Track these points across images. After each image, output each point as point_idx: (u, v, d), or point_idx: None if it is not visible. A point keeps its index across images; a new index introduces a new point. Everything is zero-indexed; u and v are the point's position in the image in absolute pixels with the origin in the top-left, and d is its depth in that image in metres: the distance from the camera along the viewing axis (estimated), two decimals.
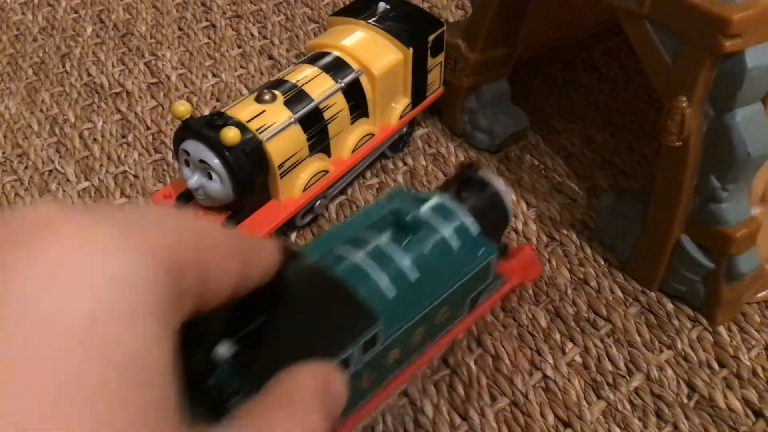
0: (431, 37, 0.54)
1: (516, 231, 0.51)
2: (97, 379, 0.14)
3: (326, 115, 0.49)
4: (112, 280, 0.15)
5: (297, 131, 0.48)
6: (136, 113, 0.63)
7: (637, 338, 0.44)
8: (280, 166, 0.47)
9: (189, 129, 0.46)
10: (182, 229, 0.18)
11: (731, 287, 0.43)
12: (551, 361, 0.43)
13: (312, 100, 0.49)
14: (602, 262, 0.48)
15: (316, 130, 0.49)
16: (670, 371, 0.42)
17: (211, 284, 0.19)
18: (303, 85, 0.49)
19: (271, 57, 0.68)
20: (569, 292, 0.47)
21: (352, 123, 0.52)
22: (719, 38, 0.36)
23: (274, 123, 0.47)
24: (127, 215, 0.18)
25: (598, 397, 0.41)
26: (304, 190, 0.49)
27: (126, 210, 0.18)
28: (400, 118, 0.55)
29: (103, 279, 0.15)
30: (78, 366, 0.14)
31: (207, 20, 0.73)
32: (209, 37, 0.71)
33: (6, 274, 0.15)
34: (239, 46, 0.70)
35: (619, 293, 0.47)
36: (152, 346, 0.16)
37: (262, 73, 0.67)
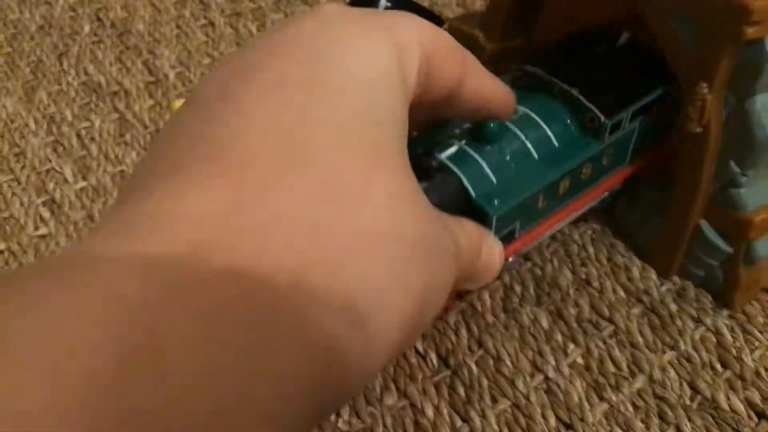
0: None
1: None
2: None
3: None
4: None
5: None
6: (134, 112, 0.62)
7: (640, 339, 0.44)
8: None
9: None
10: (426, 27, 0.24)
11: (749, 272, 0.44)
12: (553, 363, 0.42)
13: None
14: (605, 262, 0.48)
15: None
16: (672, 372, 0.42)
17: (433, 81, 0.25)
18: None
19: None
20: (571, 292, 0.46)
21: None
22: (740, 26, 0.36)
23: None
24: (387, 19, 0.24)
25: (601, 398, 0.41)
26: None
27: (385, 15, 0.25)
28: None
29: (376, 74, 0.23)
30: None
31: (205, 18, 0.73)
32: (208, 35, 0.71)
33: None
34: (238, 45, 0.69)
35: (622, 294, 0.46)
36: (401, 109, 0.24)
37: None
